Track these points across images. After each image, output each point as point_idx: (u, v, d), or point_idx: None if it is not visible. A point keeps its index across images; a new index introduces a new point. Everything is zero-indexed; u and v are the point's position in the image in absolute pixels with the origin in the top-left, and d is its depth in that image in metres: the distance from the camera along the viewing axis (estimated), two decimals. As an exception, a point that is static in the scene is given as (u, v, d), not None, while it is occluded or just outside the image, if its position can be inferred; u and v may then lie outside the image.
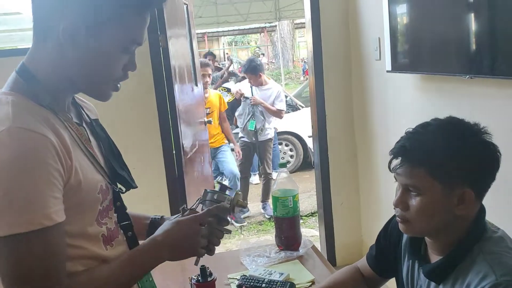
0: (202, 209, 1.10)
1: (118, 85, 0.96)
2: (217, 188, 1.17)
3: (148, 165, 2.92)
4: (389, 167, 1.05)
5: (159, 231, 1.00)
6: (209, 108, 4.26)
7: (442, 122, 1.04)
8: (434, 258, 1.08)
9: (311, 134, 5.10)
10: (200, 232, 1.00)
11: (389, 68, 2.32)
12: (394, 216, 1.24)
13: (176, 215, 1.09)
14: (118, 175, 1.01)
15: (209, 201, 1.12)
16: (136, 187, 1.05)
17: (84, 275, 0.89)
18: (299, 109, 6.35)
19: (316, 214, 4.03)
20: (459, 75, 1.82)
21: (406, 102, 2.38)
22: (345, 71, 3.04)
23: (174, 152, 2.98)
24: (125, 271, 0.93)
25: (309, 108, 3.34)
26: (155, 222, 1.18)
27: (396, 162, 1.03)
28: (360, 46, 2.88)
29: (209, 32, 15.34)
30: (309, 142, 5.81)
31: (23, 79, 0.88)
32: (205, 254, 1.04)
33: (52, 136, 0.82)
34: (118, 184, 1.02)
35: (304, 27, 3.38)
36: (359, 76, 2.93)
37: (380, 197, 2.87)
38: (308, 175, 5.52)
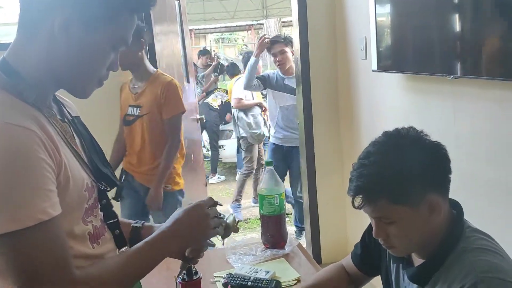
0: None
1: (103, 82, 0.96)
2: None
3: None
4: (353, 205, 1.05)
5: (167, 223, 1.00)
6: None
7: (380, 146, 1.04)
8: (417, 261, 1.10)
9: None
10: (210, 215, 1.02)
11: (375, 68, 2.34)
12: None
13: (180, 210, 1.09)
14: (102, 173, 1.00)
15: None
16: (119, 185, 1.05)
17: (93, 267, 0.88)
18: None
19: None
20: (443, 75, 1.84)
21: (392, 102, 2.41)
22: (331, 70, 3.06)
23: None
24: (135, 263, 0.92)
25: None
26: (137, 229, 1.16)
27: (358, 200, 1.03)
28: (346, 45, 2.89)
29: (195, 29, 15.29)
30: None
31: (6, 75, 0.86)
32: (189, 263, 1.07)
33: (39, 132, 0.82)
34: (102, 182, 1.01)
35: (291, 25, 3.40)
36: (346, 75, 2.95)
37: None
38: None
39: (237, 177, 5.01)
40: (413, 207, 1.00)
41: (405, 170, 0.99)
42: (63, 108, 1.02)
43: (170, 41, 3.34)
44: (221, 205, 1.11)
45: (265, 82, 3.70)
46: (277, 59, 3.58)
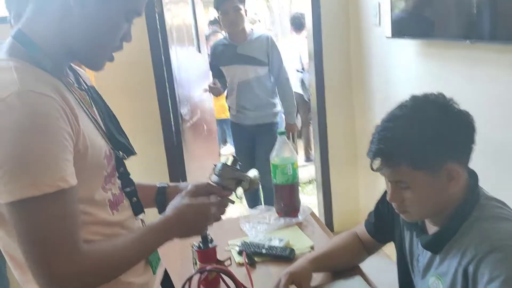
0: (217, 182, 1.15)
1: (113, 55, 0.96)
2: (229, 161, 1.19)
3: (146, 133, 2.90)
4: (371, 167, 1.04)
5: (172, 208, 1.02)
6: None
7: (407, 110, 1.02)
8: (431, 228, 1.10)
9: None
10: (210, 218, 1.05)
11: (389, 34, 2.29)
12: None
13: (187, 184, 1.13)
14: (118, 141, 1.01)
15: (228, 178, 1.16)
16: (136, 153, 1.06)
17: (100, 244, 0.90)
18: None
19: (314, 181, 4.06)
20: (460, 40, 1.80)
21: (407, 69, 2.36)
22: (344, 38, 3.00)
23: (172, 120, 2.96)
24: (137, 247, 0.94)
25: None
26: (163, 189, 1.20)
27: (377, 162, 1.02)
28: (359, 11, 2.83)
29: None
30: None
31: (22, 45, 0.86)
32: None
33: (60, 99, 0.82)
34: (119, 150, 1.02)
35: None
36: (358, 43, 2.89)
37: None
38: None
39: None
40: (433, 174, 0.99)
41: (429, 137, 0.97)
42: (79, 77, 1.02)
43: (181, 9, 3.29)
44: (239, 166, 1.18)
45: (217, 65, 3.07)
46: (230, 19, 2.82)
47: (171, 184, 1.22)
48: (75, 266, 0.82)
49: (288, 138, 2.81)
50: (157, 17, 2.79)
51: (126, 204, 1.03)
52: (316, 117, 3.18)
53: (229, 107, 3.17)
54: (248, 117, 3.03)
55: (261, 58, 2.92)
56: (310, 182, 4.47)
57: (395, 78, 2.50)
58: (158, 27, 2.80)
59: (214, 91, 3.15)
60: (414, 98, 1.04)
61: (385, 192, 1.29)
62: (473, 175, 1.07)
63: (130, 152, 1.04)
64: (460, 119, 1.00)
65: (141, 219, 1.09)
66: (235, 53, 2.93)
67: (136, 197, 1.07)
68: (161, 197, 1.19)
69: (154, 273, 1.08)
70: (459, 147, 1.01)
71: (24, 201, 0.77)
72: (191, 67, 3.36)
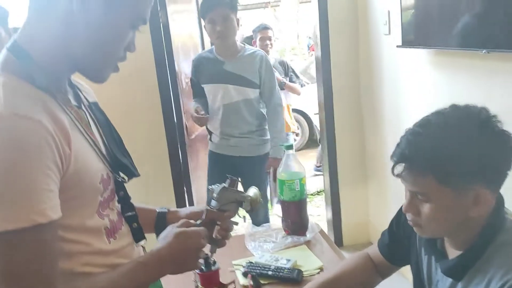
0: (216, 208, 1.09)
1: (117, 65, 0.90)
2: (227, 183, 1.12)
3: (150, 146, 2.85)
4: (392, 172, 0.96)
5: (162, 241, 0.94)
6: None
7: (445, 118, 0.93)
8: (452, 252, 1.01)
9: (317, 112, 5.02)
10: (200, 248, 0.97)
11: (399, 43, 2.21)
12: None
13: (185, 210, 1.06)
14: (120, 163, 0.94)
15: (228, 202, 1.10)
16: (139, 175, 0.99)
17: (81, 282, 0.82)
18: (304, 85, 6.23)
19: (323, 192, 3.97)
20: (475, 49, 1.72)
21: (418, 79, 2.28)
22: (352, 47, 2.94)
23: (176, 132, 2.91)
24: (125, 284, 0.86)
25: (315, 85, 3.24)
26: (163, 215, 1.13)
27: (399, 168, 0.94)
28: (368, 20, 2.76)
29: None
30: (315, 120, 5.71)
31: (16, 57, 0.80)
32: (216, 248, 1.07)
33: (49, 123, 0.75)
34: (120, 172, 0.95)
35: (309, 1, 3.26)
36: (368, 52, 2.83)
37: (389, 176, 2.79)
38: (314, 153, 5.44)
39: None
40: (458, 193, 0.90)
41: (462, 153, 0.88)
42: (79, 93, 0.95)
43: (187, 20, 3.25)
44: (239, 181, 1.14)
45: (199, 82, 2.54)
46: (217, 29, 2.35)
47: (172, 209, 1.15)
48: None
49: (268, 174, 2.54)
50: (161, 28, 2.75)
51: (125, 230, 0.97)
52: (325, 129, 3.11)
53: (210, 132, 2.64)
54: (233, 145, 2.53)
55: (252, 78, 2.45)
56: (318, 193, 4.38)
57: (406, 89, 2.42)
58: (163, 38, 2.76)
59: (200, 121, 2.50)
60: (454, 107, 0.95)
61: (400, 211, 1.21)
62: (498, 196, 0.98)
63: (132, 174, 0.97)
64: (501, 140, 0.91)
65: (142, 246, 1.03)
66: (221, 70, 2.44)
67: (137, 223, 1.00)
68: (161, 223, 1.12)
69: None
70: (493, 171, 0.91)
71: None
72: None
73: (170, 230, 0.96)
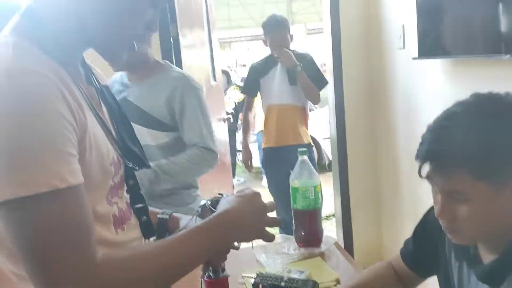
0: None
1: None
2: (210, 200, 0.98)
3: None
4: (419, 173, 0.87)
5: (223, 207, 0.85)
6: None
7: (470, 107, 0.86)
8: (487, 257, 0.91)
9: (325, 136, 4.95)
10: (266, 209, 0.88)
11: (416, 55, 2.15)
12: (433, 206, 1.08)
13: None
14: (131, 150, 0.87)
15: None
16: (150, 166, 0.91)
17: (123, 251, 0.73)
18: (313, 110, 6.19)
19: (332, 217, 3.85)
20: (496, 55, 1.65)
21: (435, 92, 2.20)
22: (365, 63, 2.90)
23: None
24: (178, 250, 0.75)
25: (324, 109, 3.20)
26: (164, 221, 1.03)
27: (429, 168, 0.86)
28: (381, 35, 2.73)
29: (220, 38, 15.29)
30: (324, 145, 5.63)
31: (28, 22, 0.74)
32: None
33: (60, 84, 0.68)
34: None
35: (317, 32, 3.27)
36: (381, 67, 2.78)
37: (402, 197, 2.69)
38: (323, 179, 5.33)
39: None
40: (497, 188, 0.81)
41: (499, 141, 0.80)
42: (91, 75, 0.89)
43: (196, 37, 3.23)
44: None
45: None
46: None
47: (173, 215, 1.05)
48: (86, 283, 0.65)
49: None
50: (172, 41, 2.72)
51: (134, 222, 0.88)
52: (336, 146, 3.03)
53: None
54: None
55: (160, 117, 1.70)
56: (327, 218, 4.25)
57: (422, 101, 2.34)
58: (173, 51, 2.73)
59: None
60: (476, 95, 0.87)
61: (426, 212, 1.12)
62: None
63: (142, 163, 0.89)
64: None
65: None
66: (125, 101, 1.70)
67: (147, 216, 0.91)
68: (161, 230, 1.02)
69: None
70: None
71: (15, 203, 0.62)
72: (205, 95, 3.26)
73: (229, 197, 0.88)
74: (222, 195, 0.96)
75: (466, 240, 0.92)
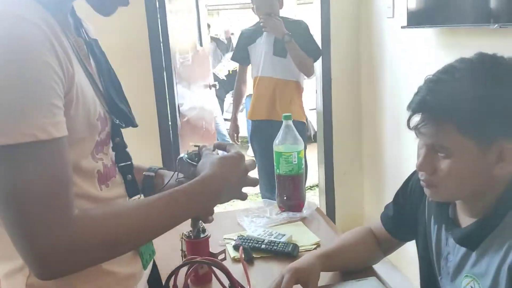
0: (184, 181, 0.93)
1: None
2: (187, 153, 0.96)
3: (140, 128, 2.73)
4: (408, 124, 0.87)
5: (205, 170, 0.82)
6: None
7: (471, 64, 0.85)
8: (466, 221, 0.92)
9: (312, 107, 4.92)
10: (247, 170, 0.87)
11: (405, 24, 2.13)
12: (415, 172, 1.08)
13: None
14: (118, 107, 0.84)
15: (191, 175, 0.92)
16: (137, 125, 0.88)
17: (100, 208, 0.71)
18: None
19: (316, 187, 3.88)
20: (485, 25, 1.63)
21: (423, 61, 2.19)
22: (353, 32, 2.86)
23: (169, 114, 2.80)
24: (161, 209, 0.74)
25: (311, 80, 3.16)
26: (149, 179, 1.01)
27: (417, 118, 0.85)
28: (370, 5, 2.68)
29: (208, 5, 14.94)
30: (310, 116, 5.62)
31: None
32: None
33: (51, 35, 0.65)
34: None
35: (307, 2, 3.20)
36: (369, 36, 2.75)
37: (386, 168, 2.71)
38: (308, 150, 5.34)
39: None
40: (481, 147, 0.81)
41: (490, 101, 0.79)
42: (81, 27, 0.85)
43: (182, 1, 3.15)
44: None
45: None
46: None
47: (159, 172, 1.03)
48: (62, 237, 0.64)
49: None
50: (157, 7, 2.65)
51: (118, 180, 0.86)
52: (322, 117, 3.02)
53: None
54: None
55: None
56: (311, 188, 4.29)
57: (410, 72, 2.33)
58: (159, 16, 2.66)
59: None
60: (481, 54, 0.86)
61: (408, 178, 1.12)
62: None
63: (130, 121, 0.87)
64: None
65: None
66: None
67: (132, 175, 0.89)
68: (147, 187, 1.00)
69: (144, 267, 0.90)
70: None
71: None
72: (191, 60, 3.21)
73: (212, 160, 0.86)
74: (198, 146, 0.94)
75: (442, 197, 0.92)
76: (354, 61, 2.90)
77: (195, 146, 0.94)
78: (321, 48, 2.88)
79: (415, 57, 2.27)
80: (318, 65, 2.98)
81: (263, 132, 2.74)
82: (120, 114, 0.84)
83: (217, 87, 3.58)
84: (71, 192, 0.66)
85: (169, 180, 0.96)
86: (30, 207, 0.62)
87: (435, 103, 0.82)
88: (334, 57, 2.89)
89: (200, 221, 1.15)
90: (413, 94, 0.87)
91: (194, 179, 0.81)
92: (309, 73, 2.71)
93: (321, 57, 2.90)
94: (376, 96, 2.74)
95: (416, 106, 0.85)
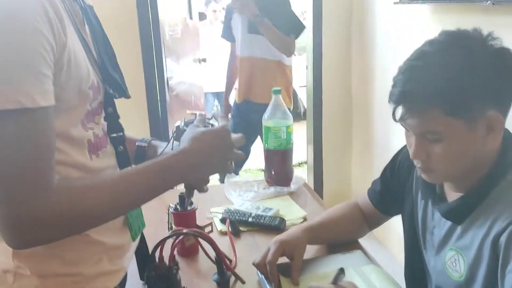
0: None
1: None
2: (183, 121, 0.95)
3: (128, 101, 2.70)
4: (393, 117, 0.86)
5: (185, 142, 0.81)
6: None
7: (441, 45, 0.84)
8: (452, 195, 0.92)
9: (302, 84, 4.90)
10: (231, 145, 0.85)
11: (397, 0, 2.10)
12: (403, 147, 1.08)
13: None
14: (111, 77, 0.82)
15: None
16: (129, 96, 0.86)
17: (80, 179, 0.70)
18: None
19: (304, 164, 3.90)
20: (479, 1, 1.62)
21: (415, 38, 2.16)
22: (345, 11, 2.82)
23: (157, 88, 2.76)
24: (135, 184, 0.74)
25: (302, 56, 3.13)
26: (142, 149, 1.00)
27: (401, 110, 0.84)
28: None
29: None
30: (300, 92, 5.59)
31: None
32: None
33: (45, 1, 0.64)
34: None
35: None
36: (361, 14, 2.71)
37: (374, 146, 2.72)
38: (297, 127, 5.34)
39: None
40: (470, 123, 0.81)
41: (468, 76, 0.79)
42: None
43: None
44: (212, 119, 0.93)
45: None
46: None
47: (152, 143, 1.02)
48: (39, 208, 0.64)
49: None
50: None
51: (109, 150, 0.85)
52: (312, 94, 3.00)
53: None
54: None
55: None
56: (300, 164, 4.31)
57: (402, 48, 2.31)
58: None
59: None
60: (446, 33, 0.85)
61: (397, 153, 1.12)
62: (507, 135, 0.89)
63: (123, 92, 0.85)
64: (503, 57, 0.82)
65: None
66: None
67: (124, 146, 0.88)
68: (140, 157, 0.99)
69: (133, 239, 0.90)
70: (503, 90, 0.82)
71: None
72: (180, 33, 3.15)
73: (194, 130, 0.84)
74: (195, 114, 0.93)
75: (440, 179, 0.92)
76: (345, 37, 2.88)
77: (192, 114, 0.93)
78: (312, 24, 2.84)
79: (407, 33, 2.25)
80: (309, 41, 2.94)
81: (242, 115, 2.61)
82: (113, 83, 0.83)
83: (205, 61, 3.54)
84: (52, 163, 0.66)
85: (163, 150, 0.94)
86: (9, 174, 0.62)
87: (416, 93, 0.81)
88: (325, 32, 2.85)
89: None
90: (391, 86, 0.86)
91: (172, 152, 0.81)
92: (288, 52, 2.48)
93: (312, 34, 2.87)
94: (367, 73, 2.73)
95: (397, 99, 0.83)
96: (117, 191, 0.72)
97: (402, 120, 0.85)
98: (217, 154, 0.83)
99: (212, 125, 0.92)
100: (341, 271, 0.82)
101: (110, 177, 0.75)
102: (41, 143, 0.64)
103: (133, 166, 0.78)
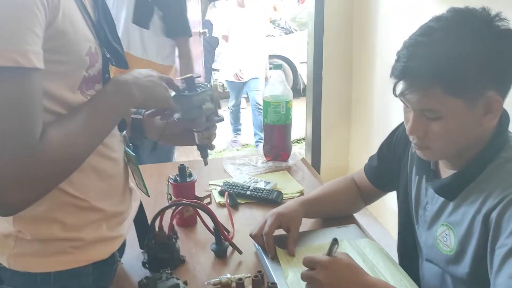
0: (183, 119, 0.96)
1: None
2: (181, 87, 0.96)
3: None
4: (394, 92, 0.86)
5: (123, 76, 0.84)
6: None
7: (447, 23, 0.83)
8: (446, 172, 0.94)
9: (302, 60, 4.88)
10: (162, 78, 0.89)
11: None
12: (401, 124, 1.09)
13: None
14: (111, 45, 0.83)
15: (190, 109, 0.94)
16: (128, 67, 0.87)
17: (55, 130, 0.71)
18: (292, 32, 6.04)
19: (303, 140, 3.92)
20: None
21: (418, 17, 2.15)
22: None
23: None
24: (97, 116, 0.77)
25: (303, 32, 3.10)
26: (137, 122, 1.01)
27: (402, 86, 0.84)
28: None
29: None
30: (300, 69, 5.58)
31: None
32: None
33: None
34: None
35: None
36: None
37: (373, 123, 2.73)
38: (296, 103, 5.33)
39: None
40: (469, 103, 0.82)
41: (471, 57, 0.79)
42: None
43: None
44: (199, 76, 0.99)
45: None
46: None
47: (148, 113, 1.02)
48: (26, 159, 0.65)
49: None
50: None
51: None
52: (312, 70, 2.99)
53: None
54: None
55: None
56: (298, 141, 4.33)
57: (403, 28, 2.30)
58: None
59: None
60: (454, 10, 0.85)
61: (394, 130, 1.14)
62: (504, 115, 0.90)
63: (123, 61, 0.86)
64: (508, 39, 0.82)
65: (124, 136, 0.94)
66: None
67: None
68: (136, 130, 1.01)
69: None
70: (502, 73, 0.83)
71: None
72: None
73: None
74: (192, 75, 0.95)
75: (435, 156, 0.93)
76: (347, 16, 2.85)
77: (182, 79, 0.95)
78: (314, 1, 2.81)
79: (409, 12, 2.23)
80: (311, 18, 2.92)
81: None
82: (112, 51, 0.83)
83: (207, 34, 3.50)
84: (39, 119, 0.66)
85: (166, 123, 0.97)
86: (2, 127, 0.63)
87: (419, 69, 0.81)
88: (327, 7, 2.82)
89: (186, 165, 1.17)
90: (394, 61, 0.86)
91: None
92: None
93: (314, 10, 2.84)
94: (367, 51, 2.72)
95: (399, 74, 0.84)
96: (91, 125, 0.75)
97: (402, 95, 0.86)
98: (148, 78, 0.85)
99: (202, 87, 0.95)
100: (335, 241, 0.84)
101: (83, 116, 0.75)
102: (30, 100, 0.65)
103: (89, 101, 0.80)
